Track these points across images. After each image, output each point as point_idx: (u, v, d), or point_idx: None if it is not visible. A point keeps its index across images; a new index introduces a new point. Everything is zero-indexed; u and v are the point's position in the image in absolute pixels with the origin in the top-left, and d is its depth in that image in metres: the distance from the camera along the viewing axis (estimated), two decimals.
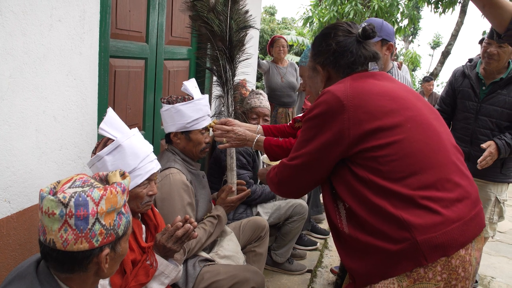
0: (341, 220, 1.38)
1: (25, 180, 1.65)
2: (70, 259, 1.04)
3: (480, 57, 2.97)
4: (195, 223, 1.60)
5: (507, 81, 2.83)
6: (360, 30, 1.49)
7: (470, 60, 3.15)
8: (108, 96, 2.14)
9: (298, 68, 5.23)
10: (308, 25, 11.10)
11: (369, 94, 1.34)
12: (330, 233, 1.56)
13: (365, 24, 2.51)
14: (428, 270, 1.23)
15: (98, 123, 2.03)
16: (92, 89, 1.96)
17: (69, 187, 1.07)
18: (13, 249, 1.63)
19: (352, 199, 1.33)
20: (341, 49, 1.48)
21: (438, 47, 29.52)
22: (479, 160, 2.61)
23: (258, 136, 1.90)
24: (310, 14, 10.80)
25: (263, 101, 2.98)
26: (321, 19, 10.09)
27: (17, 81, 1.54)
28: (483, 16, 2.64)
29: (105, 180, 1.17)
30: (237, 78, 2.64)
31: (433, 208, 1.24)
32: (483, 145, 2.61)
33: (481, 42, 4.46)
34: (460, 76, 3.11)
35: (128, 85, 2.42)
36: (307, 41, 11.94)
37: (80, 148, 1.92)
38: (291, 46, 13.58)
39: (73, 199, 1.01)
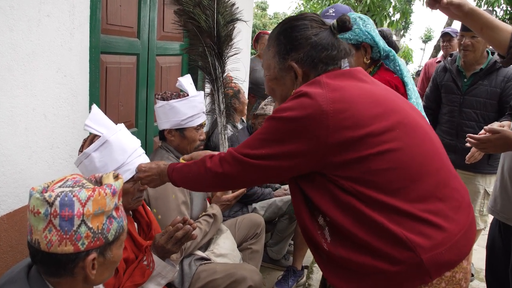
0: (326, 239, 1.22)
1: (16, 181, 1.60)
2: (55, 261, 0.99)
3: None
4: (195, 224, 1.57)
5: (487, 71, 2.84)
6: (335, 22, 1.30)
7: (451, 55, 3.17)
8: (100, 93, 2.09)
9: None
10: None
11: (350, 97, 1.18)
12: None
13: (332, 10, 2.46)
14: None
15: None
16: (83, 86, 1.91)
17: (59, 187, 1.03)
18: (4, 252, 1.59)
19: (341, 215, 1.17)
20: (323, 42, 1.27)
21: (429, 41, 29.65)
22: (467, 156, 2.62)
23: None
24: (302, 8, 10.76)
25: None
26: None
27: (5, 78, 1.49)
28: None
29: (99, 182, 1.12)
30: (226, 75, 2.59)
31: (435, 222, 1.14)
32: (468, 144, 2.63)
33: (443, 36, 4.50)
34: (441, 71, 3.14)
35: (120, 82, 2.37)
36: None
37: (71, 146, 1.88)
38: None
39: (58, 199, 0.97)
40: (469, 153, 2.61)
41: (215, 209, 2.09)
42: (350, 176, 1.15)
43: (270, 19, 16.53)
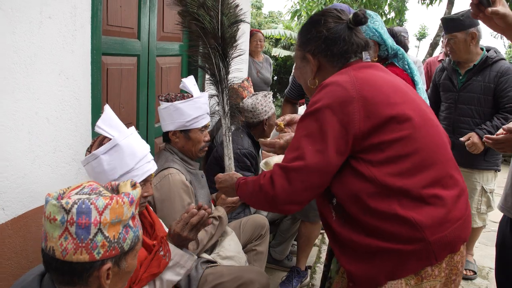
0: (340, 224, 1.31)
1: (19, 186, 1.57)
2: (69, 270, 0.97)
3: None
4: (209, 209, 1.53)
5: (480, 67, 2.86)
6: (351, 16, 1.40)
7: (447, 54, 3.20)
8: (101, 95, 2.06)
9: (271, 63, 5.49)
10: (296, 18, 11.03)
11: (375, 85, 1.28)
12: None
13: (333, 8, 2.46)
14: (435, 267, 1.23)
15: (92, 123, 1.95)
16: (85, 88, 1.88)
17: (76, 194, 1.00)
18: (8, 258, 1.56)
19: (353, 203, 1.25)
20: (333, 36, 1.38)
21: (424, 39, 29.72)
22: (462, 139, 2.67)
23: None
24: (298, 7, 10.73)
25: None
26: (309, 12, 10.04)
27: (7, 81, 1.46)
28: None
29: (116, 190, 1.10)
30: (231, 76, 2.56)
31: (440, 206, 1.22)
32: (462, 139, 2.65)
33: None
34: (440, 71, 3.21)
35: (121, 83, 2.35)
36: (295, 35, 11.86)
37: (74, 150, 1.85)
38: (278, 40, 13.50)
39: (75, 206, 0.95)
40: (468, 141, 2.66)
41: (220, 211, 2.07)
42: (371, 159, 1.23)
43: (265, 17, 16.50)
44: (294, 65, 1.54)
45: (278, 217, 3.00)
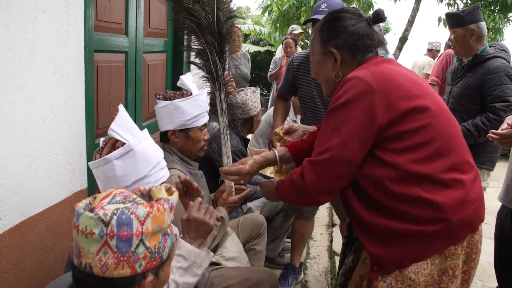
0: (365, 209, 1.35)
1: (16, 193, 1.47)
2: (109, 286, 0.89)
3: None
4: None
5: (472, 63, 2.87)
6: (371, 14, 1.46)
7: None
8: (93, 94, 1.96)
9: (249, 59, 5.40)
10: (267, 13, 10.97)
11: (394, 78, 1.33)
12: (350, 223, 1.53)
13: (324, 6, 2.43)
14: (457, 246, 1.30)
15: (86, 124, 1.86)
16: (79, 87, 1.79)
17: (109, 203, 0.92)
18: (6, 271, 1.45)
19: (377, 189, 1.31)
20: (358, 31, 1.44)
21: (387, 33, 30.35)
22: None
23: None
24: (269, 2, 10.68)
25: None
26: (280, 7, 10.01)
27: (3, 81, 1.35)
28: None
29: (147, 196, 1.02)
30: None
31: (460, 189, 1.30)
32: None
33: None
34: (452, 64, 3.22)
35: (110, 81, 2.24)
36: (265, 30, 11.81)
37: (69, 152, 1.75)
38: (247, 35, 13.43)
39: (115, 217, 0.87)
40: None
41: (222, 212, 2.01)
42: (394, 148, 1.29)
43: None
44: (311, 60, 1.56)
45: (270, 215, 2.97)
